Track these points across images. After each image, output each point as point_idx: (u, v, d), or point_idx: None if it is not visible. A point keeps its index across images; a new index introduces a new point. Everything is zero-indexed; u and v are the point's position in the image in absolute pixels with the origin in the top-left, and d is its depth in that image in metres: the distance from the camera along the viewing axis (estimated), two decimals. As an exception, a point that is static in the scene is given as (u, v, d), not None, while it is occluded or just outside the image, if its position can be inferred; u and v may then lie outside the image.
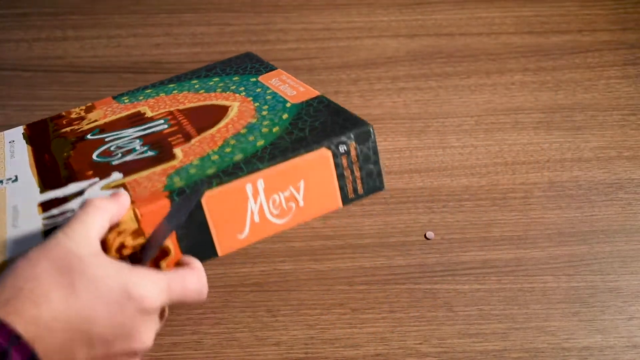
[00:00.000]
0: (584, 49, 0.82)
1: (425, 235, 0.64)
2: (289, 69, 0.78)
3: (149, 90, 0.61)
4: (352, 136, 0.48)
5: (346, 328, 0.57)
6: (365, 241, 0.63)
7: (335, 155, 0.48)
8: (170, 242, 0.44)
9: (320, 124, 0.49)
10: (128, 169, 0.49)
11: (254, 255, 0.63)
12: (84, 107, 0.61)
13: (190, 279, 0.43)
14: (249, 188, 0.46)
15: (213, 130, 0.52)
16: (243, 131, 0.51)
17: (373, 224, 0.64)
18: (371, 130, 0.48)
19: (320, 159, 0.47)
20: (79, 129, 0.57)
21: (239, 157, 0.47)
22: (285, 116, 0.52)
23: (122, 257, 0.43)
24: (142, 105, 0.59)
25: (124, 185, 0.46)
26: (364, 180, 0.50)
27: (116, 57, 0.78)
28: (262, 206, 0.47)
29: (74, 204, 0.46)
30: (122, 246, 0.43)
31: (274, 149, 0.47)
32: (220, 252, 0.47)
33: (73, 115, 0.59)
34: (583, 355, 0.56)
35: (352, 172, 0.49)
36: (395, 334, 0.57)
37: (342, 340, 0.56)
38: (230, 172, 0.46)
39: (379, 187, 0.50)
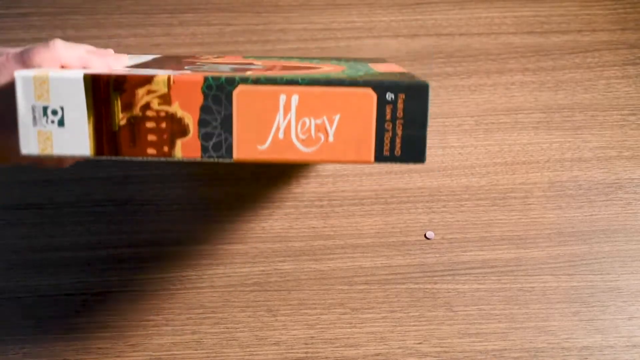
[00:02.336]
0: (584, 49, 0.82)
1: (425, 235, 0.64)
2: (289, 69, 0.78)
3: (275, 57, 0.63)
4: (403, 87, 0.45)
5: (346, 328, 0.57)
6: (365, 241, 0.63)
7: (381, 101, 0.45)
8: (191, 122, 0.44)
9: (380, 74, 0.47)
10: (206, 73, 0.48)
11: (254, 255, 0.63)
12: (216, 55, 0.63)
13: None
14: (282, 99, 0.45)
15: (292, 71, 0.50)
16: (315, 73, 0.49)
17: (373, 224, 0.64)
18: (427, 87, 0.45)
19: (363, 98, 0.45)
20: (197, 60, 0.57)
21: (289, 77, 0.45)
22: (361, 73, 0.49)
23: (140, 117, 0.44)
24: (258, 61, 0.58)
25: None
26: (404, 141, 0.46)
27: (116, 57, 0.78)
28: (289, 124, 0.45)
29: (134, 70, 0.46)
30: (147, 105, 0.43)
31: (324, 77, 0.45)
32: (235, 155, 0.45)
33: (203, 58, 0.61)
34: (583, 354, 0.56)
35: (394, 127, 0.46)
36: (395, 333, 0.57)
37: (342, 340, 0.56)
38: (270, 77, 0.44)
39: (419, 157, 0.46)
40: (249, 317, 0.58)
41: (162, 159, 0.45)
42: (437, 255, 0.62)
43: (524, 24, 0.84)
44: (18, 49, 0.47)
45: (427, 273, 0.61)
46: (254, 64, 0.56)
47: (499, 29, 0.83)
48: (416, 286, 0.60)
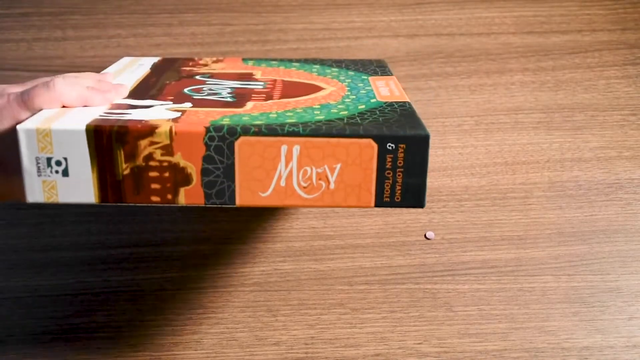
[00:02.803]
0: (584, 49, 0.82)
1: (425, 235, 0.64)
2: (289, 69, 0.78)
3: (275, 62, 0.64)
4: (404, 137, 0.45)
5: (346, 328, 0.57)
6: (365, 241, 0.63)
7: (381, 151, 0.45)
8: (194, 172, 0.44)
9: (383, 120, 0.47)
10: (201, 103, 0.49)
11: (254, 255, 0.63)
12: (214, 58, 0.65)
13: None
14: (283, 149, 0.45)
15: (292, 99, 0.51)
16: (316, 106, 0.50)
17: (373, 224, 0.64)
18: (428, 138, 0.45)
19: (364, 148, 0.45)
20: (196, 70, 0.59)
21: (291, 121, 0.46)
22: (361, 107, 0.50)
23: (143, 167, 0.44)
24: (258, 70, 0.60)
25: (183, 111, 0.47)
26: (404, 188, 0.47)
27: (116, 57, 0.78)
28: (291, 172, 0.46)
29: (135, 112, 0.47)
30: (149, 156, 0.44)
31: (324, 124, 0.46)
32: (238, 201, 0.46)
33: (201, 61, 0.63)
34: (583, 355, 0.56)
35: (395, 174, 0.46)
36: (395, 334, 0.57)
37: (342, 340, 0.56)
38: (272, 127, 0.45)
39: (419, 203, 0.46)
40: (249, 317, 0.58)
41: (166, 205, 0.46)
42: (437, 255, 0.62)
43: (524, 24, 0.84)
44: (19, 89, 0.47)
45: (427, 273, 0.61)
46: (253, 80, 0.57)
47: (499, 29, 0.83)
48: (416, 286, 0.60)
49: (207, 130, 0.44)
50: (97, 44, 0.79)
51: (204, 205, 0.47)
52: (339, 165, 0.45)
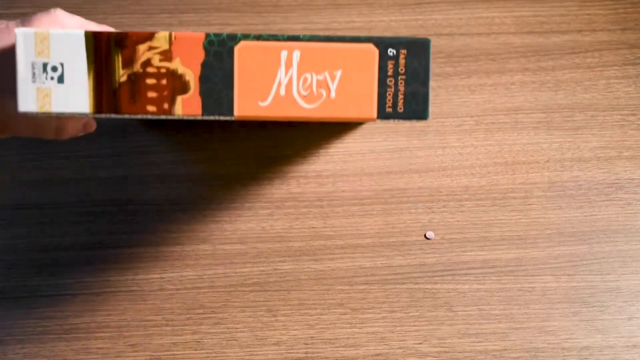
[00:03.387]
0: (584, 49, 0.82)
1: (425, 235, 0.64)
2: (289, 69, 0.78)
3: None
4: (405, 43, 0.44)
5: (346, 328, 0.57)
6: (365, 241, 0.63)
7: (382, 57, 0.45)
8: (192, 79, 0.44)
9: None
10: None
11: (254, 255, 0.63)
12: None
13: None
14: (283, 55, 0.44)
15: None
16: None
17: (373, 224, 0.64)
18: (429, 43, 0.45)
19: (364, 54, 0.44)
20: None
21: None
22: None
23: (140, 74, 0.43)
24: None
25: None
26: (407, 97, 0.46)
27: (116, 57, 0.78)
28: (291, 80, 0.45)
29: None
30: (148, 62, 0.43)
31: (326, 35, 0.45)
32: (236, 112, 0.45)
33: None
34: (583, 355, 0.56)
35: (397, 83, 0.45)
36: (395, 334, 0.57)
37: (342, 340, 0.56)
38: (272, 35, 0.44)
39: (422, 114, 0.46)
40: (249, 317, 0.58)
41: (162, 116, 0.45)
42: (437, 255, 0.62)
43: (524, 24, 0.84)
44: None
45: (427, 273, 0.61)
46: None
47: (499, 29, 0.83)
48: (416, 286, 0.60)
49: (207, 35, 0.43)
50: (97, 44, 0.79)
51: (201, 118, 0.46)
52: (339, 72, 0.45)
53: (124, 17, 0.82)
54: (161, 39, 0.43)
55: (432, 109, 0.75)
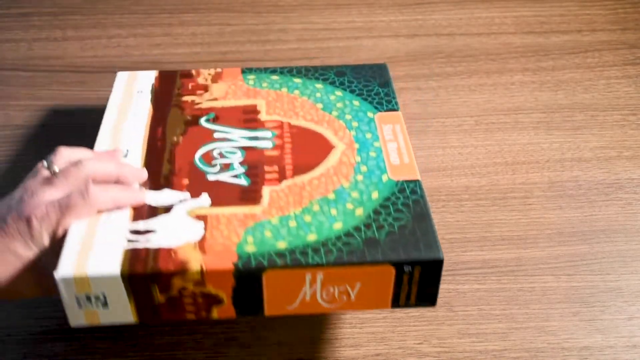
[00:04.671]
0: (584, 49, 0.82)
1: None
2: (289, 69, 0.78)
3: (275, 77, 0.65)
4: (419, 261, 0.49)
5: (346, 328, 0.57)
6: (365, 241, 0.63)
7: (399, 272, 0.49)
8: (226, 296, 0.48)
9: (399, 229, 0.50)
10: (217, 194, 0.52)
11: (254, 255, 0.62)
12: (213, 73, 0.65)
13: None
14: (308, 277, 0.48)
15: (305, 177, 0.54)
16: (331, 196, 0.53)
17: (373, 224, 0.64)
18: (442, 262, 0.49)
19: (382, 272, 0.49)
20: (198, 103, 0.62)
21: (312, 237, 0.49)
22: (375, 195, 0.53)
23: (177, 296, 0.48)
24: (261, 97, 0.63)
25: (203, 217, 0.50)
26: (419, 294, 0.51)
27: (116, 57, 0.78)
28: (315, 292, 0.49)
29: (158, 224, 0.50)
30: (183, 288, 0.47)
31: (345, 246, 0.49)
32: (267, 313, 0.49)
33: (200, 80, 0.64)
34: (583, 355, 0.56)
35: (410, 287, 0.50)
36: (395, 334, 0.57)
37: (342, 340, 0.57)
38: (296, 258, 0.48)
39: (431, 302, 0.51)
40: (249, 317, 0.58)
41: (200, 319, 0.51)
42: (437, 255, 0.62)
43: (524, 24, 0.84)
44: (54, 192, 0.49)
45: (427, 273, 0.61)
46: (260, 126, 0.59)
47: (499, 29, 0.83)
48: (416, 286, 0.60)
49: (236, 267, 0.47)
50: (97, 44, 0.79)
51: (235, 318, 0.51)
52: (359, 284, 0.49)
53: (124, 17, 0.82)
54: (193, 274, 0.47)
55: (432, 109, 0.75)
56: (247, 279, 0.47)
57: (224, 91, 0.63)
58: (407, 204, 0.52)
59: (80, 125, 0.71)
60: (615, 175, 0.69)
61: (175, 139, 0.58)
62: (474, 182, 0.68)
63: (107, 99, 0.73)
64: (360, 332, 0.57)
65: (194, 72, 0.65)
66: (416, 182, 0.54)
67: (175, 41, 0.81)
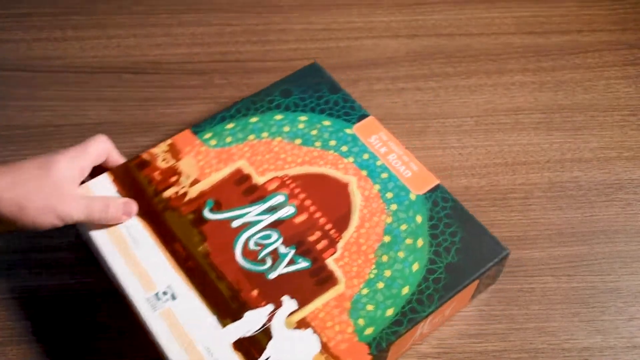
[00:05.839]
0: (584, 49, 0.82)
1: None
2: (289, 69, 0.78)
3: (231, 126, 0.61)
4: (495, 263, 0.53)
5: (346, 328, 0.57)
6: (365, 241, 0.63)
7: (480, 280, 0.53)
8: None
9: (461, 241, 0.53)
10: (295, 291, 0.51)
11: (254, 256, 0.62)
12: (167, 149, 0.59)
13: (113, 204, 0.54)
14: (420, 326, 0.51)
15: (353, 231, 0.54)
16: (386, 239, 0.53)
17: (373, 225, 0.64)
18: (509, 253, 0.54)
19: (469, 287, 0.53)
20: (183, 194, 0.56)
21: (405, 290, 0.51)
22: (419, 219, 0.55)
23: None
24: (237, 157, 0.58)
25: (305, 322, 0.49)
26: (488, 283, 0.56)
27: (116, 57, 0.78)
28: (421, 332, 0.53)
29: (272, 352, 0.48)
30: None
31: (435, 284, 0.51)
32: None
33: (161, 164, 0.58)
34: (583, 355, 0.56)
35: (485, 284, 0.55)
36: (395, 334, 0.57)
37: (342, 340, 0.56)
38: (411, 318, 0.49)
39: (495, 282, 0.58)
40: None
41: None
42: (437, 255, 0.62)
43: (524, 24, 0.84)
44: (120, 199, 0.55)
45: (427, 273, 0.61)
46: (261, 188, 0.56)
47: (499, 29, 0.83)
48: (416, 287, 0.60)
49: (372, 355, 0.48)
50: (97, 44, 0.79)
51: None
52: (452, 304, 0.54)
53: (124, 17, 0.82)
54: None
55: (432, 109, 0.75)
56: (380, 357, 0.49)
57: (196, 167, 0.58)
58: (449, 214, 0.55)
59: (80, 125, 0.71)
60: (615, 176, 0.69)
61: (200, 249, 0.53)
62: (474, 182, 0.68)
63: (107, 99, 0.73)
64: (360, 332, 0.57)
65: (145, 156, 0.59)
66: (438, 187, 0.57)
67: (175, 41, 0.81)
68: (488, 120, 0.74)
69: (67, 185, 0.53)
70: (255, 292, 0.51)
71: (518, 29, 0.84)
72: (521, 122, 0.74)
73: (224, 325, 0.49)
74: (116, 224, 0.55)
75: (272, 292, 0.51)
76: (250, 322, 0.49)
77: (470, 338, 0.57)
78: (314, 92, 0.63)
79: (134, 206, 0.56)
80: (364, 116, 0.61)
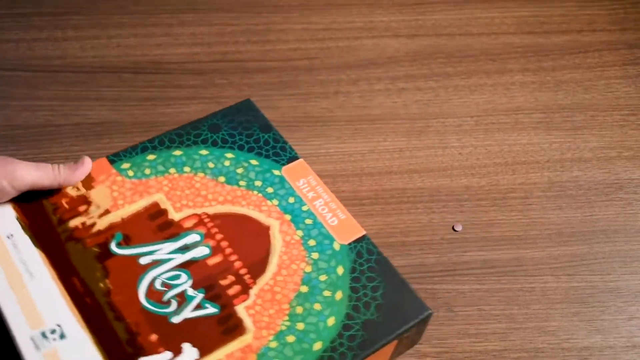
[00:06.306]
0: (584, 49, 0.82)
1: (453, 228, 0.64)
2: (289, 69, 0.78)
3: (152, 157, 0.57)
4: (416, 324, 0.50)
5: (346, 328, 0.57)
6: (365, 241, 0.63)
7: (399, 341, 0.50)
8: None
9: (382, 297, 0.50)
10: (197, 339, 0.47)
11: (254, 255, 0.62)
12: (77, 175, 0.55)
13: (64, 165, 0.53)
14: None
15: (269, 278, 0.50)
16: (304, 289, 0.50)
17: (373, 224, 0.64)
18: (432, 314, 0.50)
19: (386, 347, 0.49)
20: (91, 225, 0.52)
21: (318, 345, 0.47)
22: (340, 270, 0.51)
23: None
24: (155, 190, 0.55)
25: None
26: (409, 345, 0.53)
27: (116, 57, 0.78)
28: None
29: None
30: None
31: (350, 341, 0.47)
32: None
33: (71, 190, 0.54)
34: (583, 355, 0.56)
35: (405, 345, 0.52)
36: (395, 334, 0.57)
37: (342, 340, 0.56)
38: None
39: (417, 343, 0.54)
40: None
41: None
42: (437, 255, 0.62)
43: (524, 24, 0.84)
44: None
45: (427, 273, 0.61)
46: (176, 225, 0.53)
47: (499, 29, 0.83)
48: (416, 286, 0.60)
49: None
50: (97, 44, 0.79)
51: None
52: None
53: (124, 17, 0.82)
54: None
55: (432, 109, 0.75)
56: None
57: (109, 197, 0.54)
58: (373, 267, 0.51)
59: (80, 125, 0.71)
60: (615, 176, 0.69)
61: (101, 285, 0.49)
62: (474, 182, 0.68)
63: (107, 99, 0.73)
64: (360, 332, 0.57)
65: (57, 190, 0.54)
66: (364, 238, 0.53)
67: (175, 41, 0.81)
68: (488, 120, 0.74)
69: (19, 163, 0.51)
70: (154, 337, 0.46)
71: (518, 29, 0.84)
72: (521, 122, 0.74)
73: None
74: (69, 185, 0.53)
75: (173, 338, 0.46)
76: None
77: (470, 337, 0.57)
78: (244, 129, 0.59)
79: (86, 160, 0.53)
80: (294, 158, 0.57)
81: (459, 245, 0.63)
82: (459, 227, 0.64)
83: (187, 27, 0.82)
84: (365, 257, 0.52)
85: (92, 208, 0.53)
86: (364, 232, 0.53)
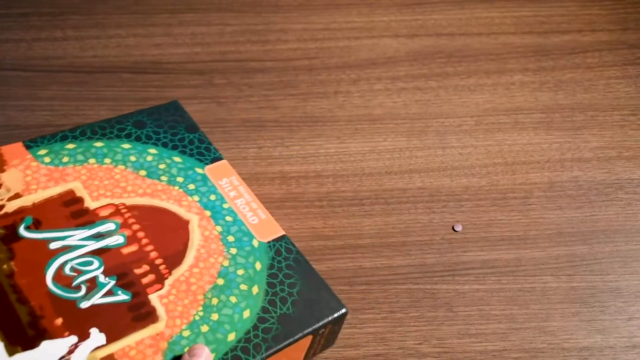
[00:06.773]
0: (584, 49, 0.82)
1: (453, 228, 0.64)
2: (289, 69, 0.78)
3: (72, 146, 0.56)
4: (331, 320, 0.50)
5: (346, 328, 0.57)
6: (365, 241, 0.63)
7: (314, 337, 0.50)
8: None
9: (299, 294, 0.50)
10: (106, 324, 0.45)
11: (254, 256, 0.62)
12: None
13: None
14: None
15: (185, 270, 0.50)
16: (220, 282, 0.50)
17: (373, 224, 0.64)
18: (347, 312, 0.51)
19: (303, 341, 0.49)
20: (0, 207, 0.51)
21: (232, 336, 0.47)
22: (258, 266, 0.51)
23: None
24: (72, 178, 0.53)
25: (111, 359, 0.44)
26: (324, 344, 0.53)
27: (116, 57, 0.78)
28: None
29: None
30: None
31: (265, 334, 0.48)
32: None
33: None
34: (583, 355, 0.56)
35: (320, 343, 0.52)
36: (395, 334, 0.57)
37: (342, 340, 0.56)
38: None
39: (332, 344, 0.54)
40: None
41: None
42: (437, 255, 0.62)
43: (524, 24, 0.84)
44: None
45: (427, 273, 0.61)
46: (91, 213, 0.51)
47: (499, 29, 0.83)
48: (416, 286, 0.60)
49: None
50: (97, 43, 0.79)
51: None
52: (284, 359, 0.50)
53: (124, 17, 0.82)
54: None
55: (432, 109, 0.75)
56: None
57: (21, 181, 0.52)
58: (290, 265, 0.52)
59: (80, 125, 0.71)
60: (615, 176, 0.69)
61: (4, 267, 0.47)
62: (474, 182, 0.68)
63: (107, 99, 0.73)
64: (360, 332, 0.57)
65: None
66: (284, 238, 0.53)
67: (175, 41, 0.81)
68: (488, 120, 0.74)
69: None
70: (59, 321, 0.45)
71: (518, 29, 0.84)
72: (521, 122, 0.74)
73: (11, 353, 0.43)
74: None
75: (80, 323, 0.45)
76: (45, 354, 0.44)
77: (470, 338, 0.57)
78: (170, 128, 0.59)
79: None
80: (217, 159, 0.58)
81: (459, 245, 0.63)
82: (458, 228, 0.64)
83: (186, 27, 0.82)
84: (284, 255, 0.52)
85: (2, 191, 0.51)
86: (283, 233, 0.54)
